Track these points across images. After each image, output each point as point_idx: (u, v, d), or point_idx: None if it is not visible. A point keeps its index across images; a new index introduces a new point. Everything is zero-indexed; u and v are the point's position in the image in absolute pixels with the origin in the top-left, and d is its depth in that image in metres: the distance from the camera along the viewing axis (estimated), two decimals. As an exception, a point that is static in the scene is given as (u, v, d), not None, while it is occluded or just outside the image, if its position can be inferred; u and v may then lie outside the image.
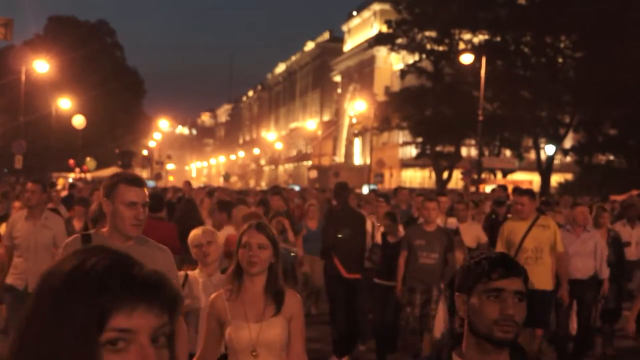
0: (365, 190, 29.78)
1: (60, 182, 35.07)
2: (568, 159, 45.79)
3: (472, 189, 29.95)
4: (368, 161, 51.95)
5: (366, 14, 68.44)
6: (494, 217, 11.02)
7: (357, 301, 8.93)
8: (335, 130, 71.13)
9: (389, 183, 52.27)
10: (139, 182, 3.61)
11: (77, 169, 44.16)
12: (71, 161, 43.16)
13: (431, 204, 8.43)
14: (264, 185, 79.69)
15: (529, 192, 8.28)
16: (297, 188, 34.43)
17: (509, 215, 10.57)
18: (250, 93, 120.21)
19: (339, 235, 8.85)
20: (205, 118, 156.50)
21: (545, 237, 7.91)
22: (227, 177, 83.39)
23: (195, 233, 4.98)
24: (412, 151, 50.98)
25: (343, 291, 8.76)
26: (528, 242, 7.88)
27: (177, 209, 12.38)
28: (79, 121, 39.11)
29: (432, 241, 8.19)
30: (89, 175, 45.66)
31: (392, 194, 15.06)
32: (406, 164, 57.13)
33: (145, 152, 75.72)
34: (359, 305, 9.04)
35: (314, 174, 58.06)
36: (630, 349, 9.90)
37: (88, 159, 44.51)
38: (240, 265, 3.65)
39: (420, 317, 8.19)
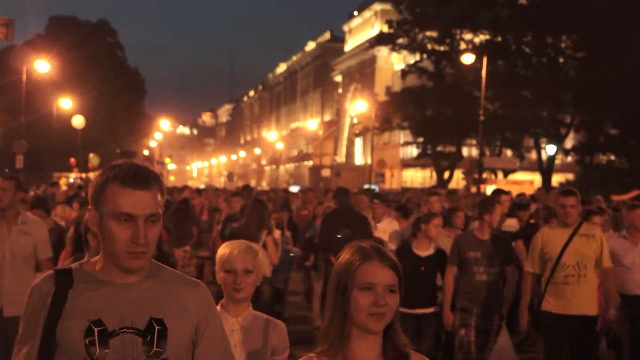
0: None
1: (63, 182, 35.16)
2: (569, 158, 45.78)
3: (474, 189, 29.94)
4: (369, 161, 51.96)
5: (367, 13, 68.43)
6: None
7: None
8: (336, 130, 71.12)
9: (390, 183, 52.26)
10: (140, 181, 2.21)
11: (76, 169, 44.16)
12: (72, 160, 43.16)
13: (499, 206, 6.96)
14: (265, 185, 79.71)
15: (576, 193, 6.55)
16: (297, 188, 34.40)
17: (532, 221, 9.91)
18: (251, 93, 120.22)
19: (338, 236, 8.79)
20: (206, 118, 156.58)
21: (590, 250, 6.37)
22: (230, 177, 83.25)
23: (229, 251, 3.35)
24: (413, 151, 50.97)
25: None
26: (568, 256, 6.34)
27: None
28: (78, 121, 39.12)
29: (490, 252, 6.70)
30: (91, 175, 45.64)
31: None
32: (407, 163, 57.14)
33: (146, 152, 75.81)
34: None
35: (327, 172, 57.33)
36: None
37: (91, 155, 44.40)
38: (346, 316, 2.24)
39: (475, 344, 6.66)
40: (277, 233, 8.34)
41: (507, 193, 10.49)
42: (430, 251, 7.01)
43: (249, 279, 3.30)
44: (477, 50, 36.46)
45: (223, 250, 3.37)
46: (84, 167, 44.77)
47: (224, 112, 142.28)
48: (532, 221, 9.93)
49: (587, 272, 6.34)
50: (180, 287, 2.31)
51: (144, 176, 2.22)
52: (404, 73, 44.66)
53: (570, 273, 6.32)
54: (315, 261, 10.04)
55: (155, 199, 2.22)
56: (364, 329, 2.23)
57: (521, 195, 15.38)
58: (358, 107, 53.11)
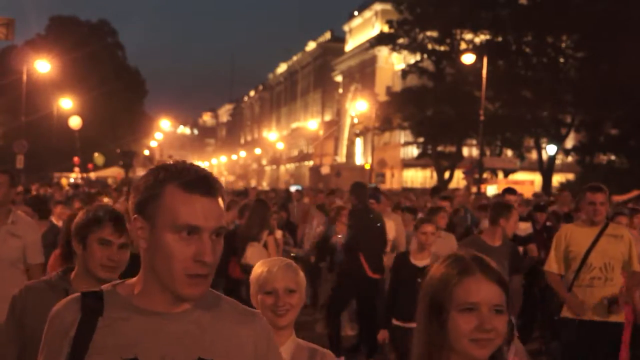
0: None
1: (64, 182, 35.20)
2: (569, 159, 45.77)
3: (474, 189, 29.96)
4: (369, 161, 51.95)
5: (367, 13, 68.40)
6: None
7: (376, 300, 8.53)
8: (336, 130, 71.09)
9: (391, 183, 52.28)
10: (206, 187, 1.79)
11: (77, 169, 44.21)
12: (76, 158, 43.20)
13: (516, 211, 6.42)
14: (265, 185, 79.72)
15: (605, 189, 6.06)
16: (297, 188, 34.28)
17: (548, 223, 9.66)
18: (252, 93, 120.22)
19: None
20: (207, 118, 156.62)
21: (617, 251, 5.99)
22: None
23: (267, 269, 2.88)
24: (413, 151, 50.97)
25: (364, 290, 8.42)
26: (595, 257, 5.96)
27: None
28: (75, 122, 39.19)
29: (500, 260, 5.91)
30: (92, 175, 45.64)
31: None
32: (407, 164, 57.14)
33: (146, 152, 75.87)
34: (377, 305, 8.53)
35: (326, 169, 56.60)
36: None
37: (96, 154, 44.31)
38: (443, 342, 1.89)
39: None
40: (278, 233, 8.30)
41: (516, 193, 9.91)
42: (427, 260, 6.30)
43: (292, 299, 2.83)
44: (478, 50, 36.45)
45: (259, 269, 2.89)
46: (84, 167, 44.81)
47: (225, 112, 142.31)
48: (548, 223, 9.67)
49: (614, 274, 5.96)
50: (235, 320, 1.87)
51: (210, 181, 1.79)
52: (405, 73, 44.66)
53: (597, 275, 5.96)
54: (331, 263, 9.89)
55: (221, 209, 1.79)
56: (466, 357, 1.87)
57: (539, 195, 14.86)
58: (358, 107, 53.10)
